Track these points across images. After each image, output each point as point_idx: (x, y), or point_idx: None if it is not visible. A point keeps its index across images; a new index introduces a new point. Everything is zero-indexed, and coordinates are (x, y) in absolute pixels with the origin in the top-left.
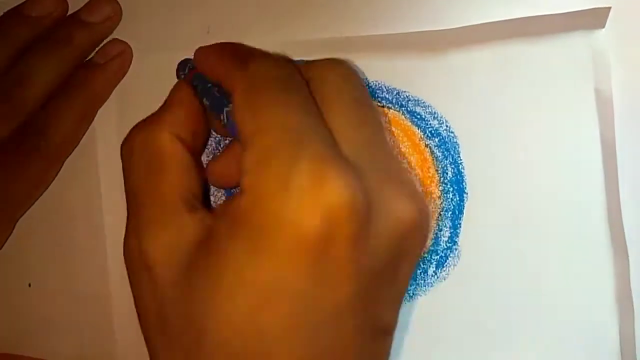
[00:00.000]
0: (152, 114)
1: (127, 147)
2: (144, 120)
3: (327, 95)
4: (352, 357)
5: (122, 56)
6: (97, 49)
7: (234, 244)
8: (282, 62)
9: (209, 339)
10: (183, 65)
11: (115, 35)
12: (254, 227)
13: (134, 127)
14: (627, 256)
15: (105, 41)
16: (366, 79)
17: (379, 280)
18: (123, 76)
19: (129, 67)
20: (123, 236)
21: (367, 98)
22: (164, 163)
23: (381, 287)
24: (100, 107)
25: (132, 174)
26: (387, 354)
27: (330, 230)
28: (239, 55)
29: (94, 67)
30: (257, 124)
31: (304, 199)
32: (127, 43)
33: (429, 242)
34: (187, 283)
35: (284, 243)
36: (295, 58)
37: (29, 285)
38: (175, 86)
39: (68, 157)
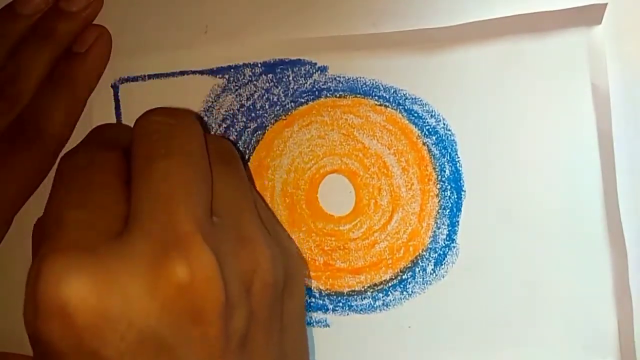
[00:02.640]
0: None
1: None
2: None
3: (131, 163)
4: None
5: (101, 41)
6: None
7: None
8: (88, 150)
9: None
10: None
11: (113, 34)
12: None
13: None
14: (625, 252)
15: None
16: (362, 77)
17: (160, 348)
18: (106, 61)
19: (109, 51)
20: None
21: (169, 152)
22: None
23: (171, 353)
24: (89, 95)
25: None
26: None
27: (64, 329)
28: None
29: (75, 57)
30: None
31: (28, 305)
32: (103, 27)
33: (428, 240)
34: None
35: (40, 350)
36: (292, 57)
37: None
38: None
39: (62, 149)
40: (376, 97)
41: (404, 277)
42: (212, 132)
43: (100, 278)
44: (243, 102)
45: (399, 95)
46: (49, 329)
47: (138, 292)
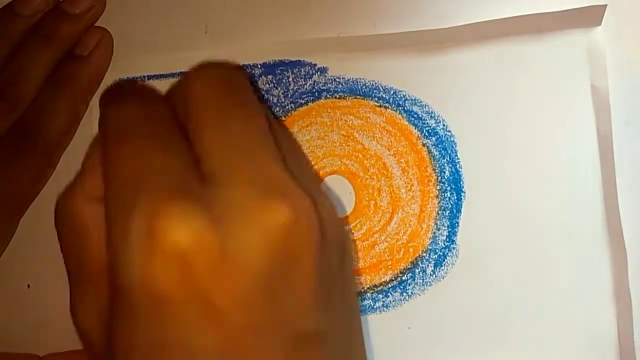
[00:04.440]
0: (73, 180)
1: (55, 217)
2: (66, 188)
3: (189, 115)
4: None
5: (103, 45)
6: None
7: (114, 306)
8: (137, 102)
9: None
10: None
11: (113, 35)
12: (116, 288)
13: (59, 197)
14: (625, 253)
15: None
16: (362, 78)
17: (267, 296)
18: (108, 64)
19: (111, 54)
20: None
21: (236, 103)
22: (82, 228)
23: (275, 301)
24: (91, 98)
25: (60, 241)
26: (325, 358)
27: (182, 275)
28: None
29: (77, 60)
30: (105, 179)
31: (141, 250)
32: (105, 29)
33: (427, 241)
34: (107, 344)
35: (146, 301)
36: (292, 58)
37: (28, 286)
38: (89, 146)
39: (64, 151)
40: (376, 98)
41: (403, 278)
42: None
43: (214, 223)
44: None
45: (399, 96)
46: (167, 276)
47: (248, 236)
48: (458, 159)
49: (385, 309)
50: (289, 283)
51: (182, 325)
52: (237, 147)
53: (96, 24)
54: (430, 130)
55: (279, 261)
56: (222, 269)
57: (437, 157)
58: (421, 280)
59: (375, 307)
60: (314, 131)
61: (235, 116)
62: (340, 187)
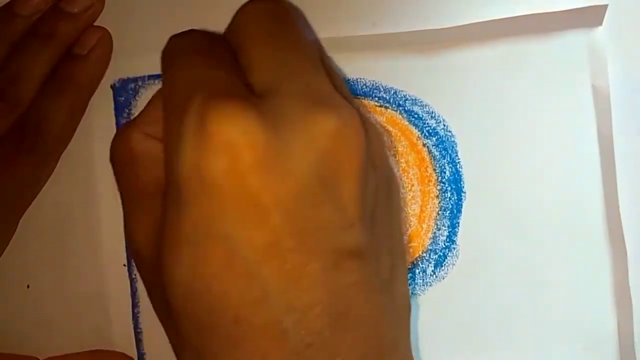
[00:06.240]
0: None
1: (110, 151)
2: (123, 124)
3: (239, 39)
4: (314, 286)
5: (102, 44)
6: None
7: (167, 206)
8: (194, 33)
9: (174, 307)
10: None
11: (113, 35)
12: (170, 184)
13: (115, 133)
14: (625, 253)
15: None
16: (362, 78)
17: (312, 202)
18: (107, 63)
19: (110, 53)
20: (120, 237)
21: (284, 26)
22: (134, 160)
23: (319, 209)
24: (90, 97)
25: (115, 174)
26: (365, 277)
27: (231, 165)
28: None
29: (76, 59)
30: (163, 96)
31: (193, 140)
32: (104, 28)
33: (428, 241)
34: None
35: (196, 190)
36: None
37: (28, 286)
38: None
39: (64, 150)
40: (376, 98)
41: None
42: None
43: (264, 123)
44: None
45: (399, 96)
46: (216, 166)
47: (297, 141)
48: (458, 159)
49: None
50: (333, 191)
51: (228, 218)
52: (286, 62)
53: (95, 23)
54: (430, 130)
55: (324, 168)
56: (269, 167)
57: (438, 157)
58: (421, 281)
59: None
60: None
61: (284, 36)
62: None
